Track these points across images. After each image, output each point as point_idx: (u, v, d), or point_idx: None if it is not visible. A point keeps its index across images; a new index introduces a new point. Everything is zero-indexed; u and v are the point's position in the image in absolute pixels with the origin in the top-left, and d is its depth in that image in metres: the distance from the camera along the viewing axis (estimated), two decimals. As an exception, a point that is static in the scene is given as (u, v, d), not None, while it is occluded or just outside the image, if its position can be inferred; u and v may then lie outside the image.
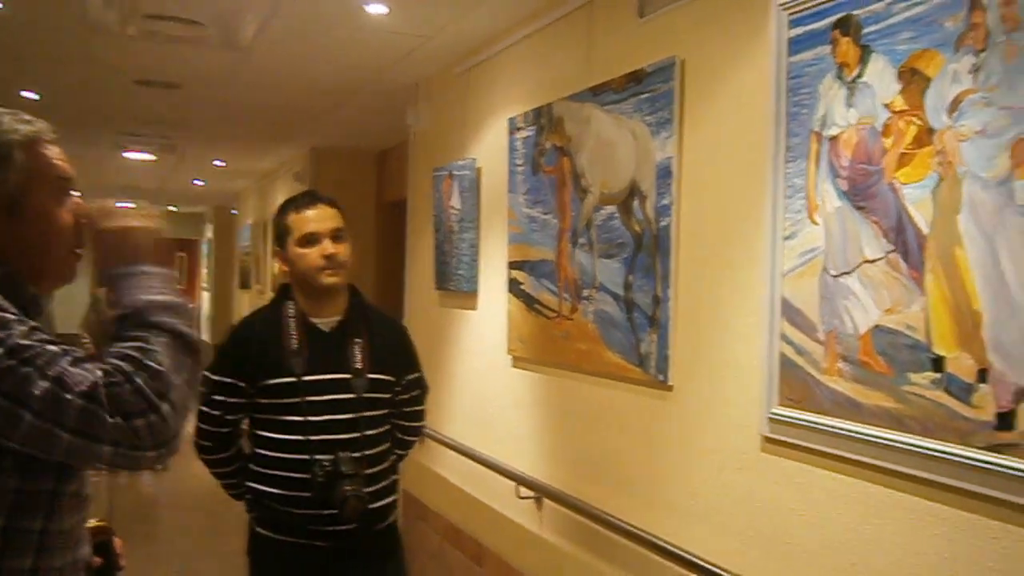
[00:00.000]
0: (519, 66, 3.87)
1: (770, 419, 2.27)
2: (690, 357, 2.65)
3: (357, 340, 2.52)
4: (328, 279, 2.47)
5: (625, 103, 2.92)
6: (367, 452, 2.49)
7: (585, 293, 3.17)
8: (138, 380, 1.22)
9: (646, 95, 2.81)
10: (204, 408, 2.51)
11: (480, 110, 4.25)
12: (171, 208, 15.23)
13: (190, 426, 2.55)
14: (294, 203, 2.54)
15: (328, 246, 2.46)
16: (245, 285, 11.65)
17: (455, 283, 4.40)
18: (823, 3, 2.12)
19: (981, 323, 1.74)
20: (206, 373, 2.53)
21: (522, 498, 3.58)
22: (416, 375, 2.72)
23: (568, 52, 3.40)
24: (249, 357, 2.49)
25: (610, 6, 3.12)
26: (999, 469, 1.70)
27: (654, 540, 2.74)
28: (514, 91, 3.89)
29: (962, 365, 1.78)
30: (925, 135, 1.86)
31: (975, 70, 1.75)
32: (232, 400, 2.49)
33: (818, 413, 2.12)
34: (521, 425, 3.75)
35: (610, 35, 3.12)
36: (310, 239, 2.47)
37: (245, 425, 2.57)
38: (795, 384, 2.19)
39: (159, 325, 1.29)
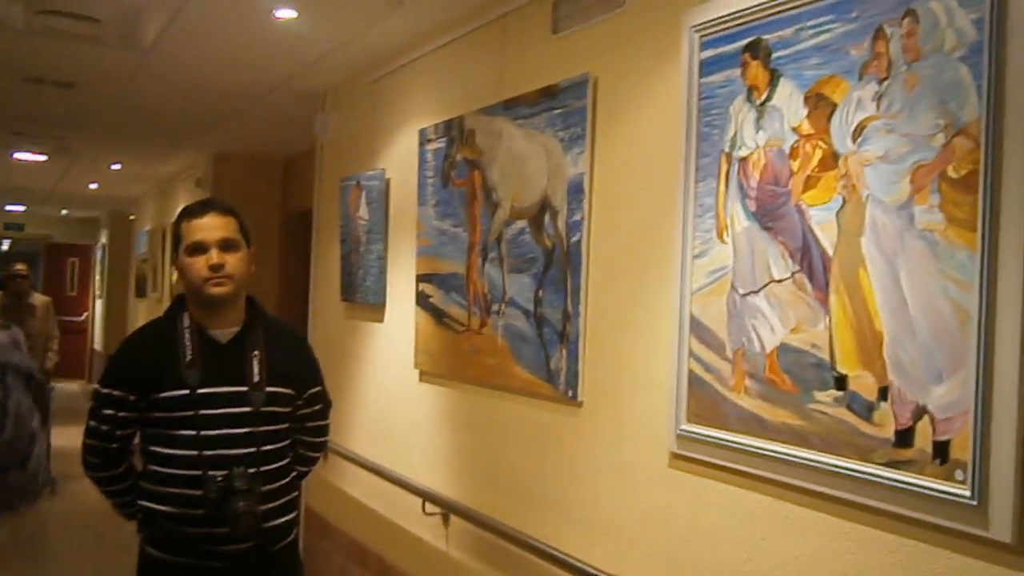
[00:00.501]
0: (431, 77, 3.84)
1: (678, 435, 2.29)
2: (600, 373, 2.66)
3: (255, 352, 2.44)
4: (213, 290, 2.37)
5: (538, 118, 2.92)
6: (263, 468, 2.40)
7: (495, 308, 3.15)
8: None
9: (559, 111, 2.82)
10: (92, 423, 2.39)
11: (390, 120, 4.20)
12: (63, 212, 14.61)
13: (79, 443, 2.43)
14: (188, 211, 2.43)
15: (214, 256, 2.36)
16: (142, 293, 11.23)
17: (362, 295, 4.32)
18: (734, 27, 2.16)
19: (882, 342, 1.79)
20: (96, 386, 2.42)
21: (428, 514, 3.53)
22: (318, 389, 2.65)
23: (481, 65, 3.38)
24: (141, 369, 2.38)
25: (524, 21, 3.12)
26: (898, 485, 1.75)
27: (562, 556, 2.73)
28: (426, 102, 3.86)
29: (864, 383, 1.83)
30: (830, 159, 1.91)
31: (878, 98, 1.81)
32: (122, 414, 2.37)
33: (725, 430, 2.15)
34: (428, 440, 3.70)
35: (524, 50, 3.12)
36: (197, 248, 2.37)
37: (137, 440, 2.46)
38: (703, 401, 2.22)
39: None
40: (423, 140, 3.74)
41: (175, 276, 2.46)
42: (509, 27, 3.21)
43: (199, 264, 2.36)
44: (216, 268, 2.35)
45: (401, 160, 4.04)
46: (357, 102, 4.64)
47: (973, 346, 1.62)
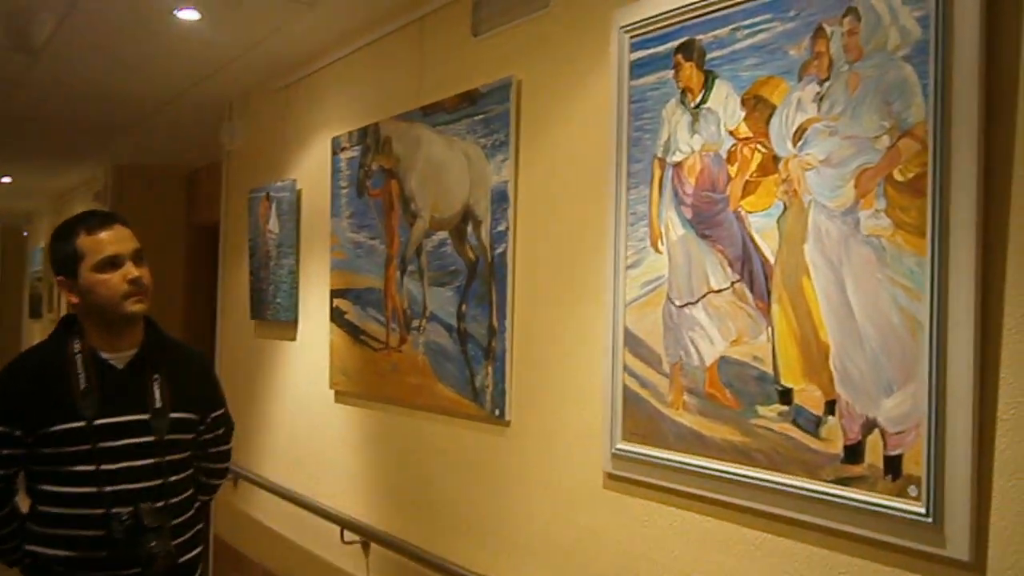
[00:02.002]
0: (345, 83, 3.67)
1: (613, 455, 2.18)
2: (529, 391, 2.53)
3: (156, 376, 2.24)
4: (134, 306, 2.17)
5: (458, 124, 2.79)
6: (171, 501, 2.21)
7: (415, 323, 3.00)
8: None
9: (480, 116, 2.70)
10: None
11: (302, 128, 4.01)
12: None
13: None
14: (84, 224, 2.20)
15: (132, 269, 2.16)
16: (36, 314, 10.65)
17: (273, 312, 4.11)
18: (666, 27, 2.07)
19: (828, 354, 1.71)
20: None
21: (347, 543, 3.35)
22: (221, 412, 2.46)
23: (398, 69, 3.24)
24: (27, 401, 2.14)
25: (443, 23, 2.99)
26: (848, 502, 1.67)
27: (491, 585, 2.59)
28: (339, 109, 3.69)
29: (810, 397, 1.75)
30: (770, 163, 1.83)
31: (819, 99, 1.74)
32: (6, 452, 2.13)
33: (663, 448, 2.05)
34: (346, 464, 3.51)
35: (443, 53, 2.99)
36: (112, 262, 2.15)
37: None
38: (639, 418, 2.11)
39: None
40: (336, 149, 3.57)
41: (72, 298, 2.22)
42: (427, 30, 3.08)
43: (115, 280, 2.15)
44: (135, 282, 2.16)
45: (313, 170, 3.86)
46: (266, 109, 4.44)
47: (925, 356, 1.55)
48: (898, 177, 1.60)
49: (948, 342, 1.52)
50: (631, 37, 2.16)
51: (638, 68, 2.15)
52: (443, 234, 2.87)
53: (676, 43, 2.05)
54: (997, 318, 1.49)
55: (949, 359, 1.52)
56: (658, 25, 2.09)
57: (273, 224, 4.14)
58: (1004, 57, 1.49)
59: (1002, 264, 1.48)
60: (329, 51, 3.71)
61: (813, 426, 1.74)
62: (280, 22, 3.52)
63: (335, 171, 3.58)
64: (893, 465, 1.60)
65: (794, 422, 1.77)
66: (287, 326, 4.03)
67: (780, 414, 1.80)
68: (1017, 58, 1.47)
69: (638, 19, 2.14)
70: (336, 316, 3.53)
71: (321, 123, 3.82)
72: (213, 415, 2.43)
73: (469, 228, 2.74)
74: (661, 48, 2.09)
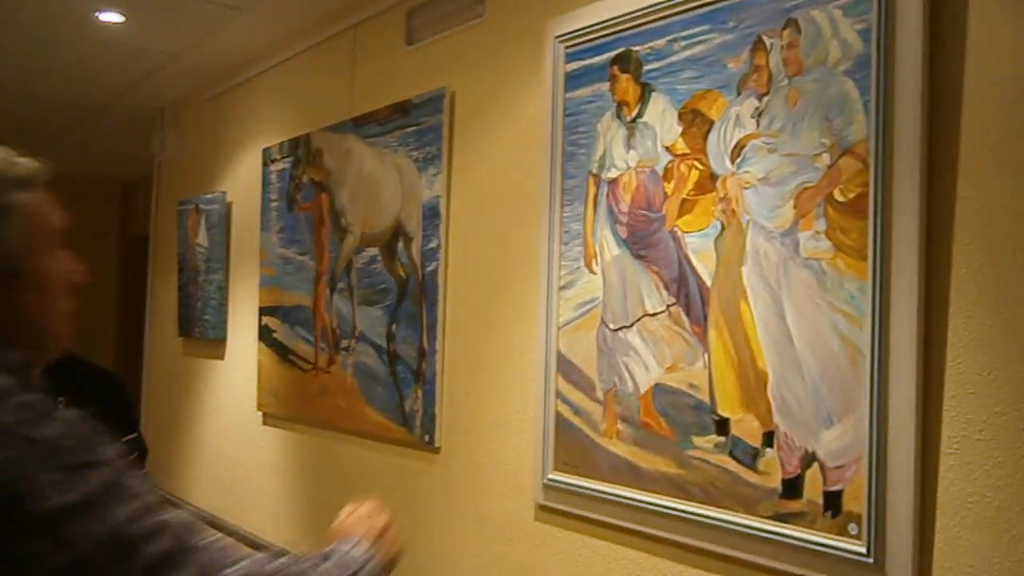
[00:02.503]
0: (277, 92, 3.53)
1: (545, 485, 2.07)
2: (460, 416, 2.41)
3: (60, 399, 2.07)
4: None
5: (390, 136, 2.68)
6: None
7: (344, 344, 2.87)
8: None
9: (413, 128, 2.58)
10: None
11: (233, 139, 3.86)
12: None
13: None
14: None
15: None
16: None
17: (201, 330, 3.93)
18: (602, 37, 1.98)
19: (766, 383, 1.62)
20: None
21: (271, 574, 3.17)
22: (134, 435, 2.31)
23: (330, 79, 3.11)
24: None
25: (376, 32, 2.87)
26: (786, 540, 1.57)
27: (418, 621, 2.45)
28: (271, 119, 3.55)
29: (747, 428, 1.65)
30: (708, 181, 1.74)
31: (758, 114, 1.66)
32: None
33: (596, 479, 1.94)
34: (274, 489, 3.35)
35: (376, 63, 2.87)
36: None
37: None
38: (572, 447, 2.01)
39: None
40: (267, 160, 3.43)
41: None
42: (360, 38, 2.96)
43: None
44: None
45: (244, 182, 3.70)
46: (197, 119, 4.27)
47: (865, 386, 1.46)
48: (839, 197, 1.52)
49: (890, 372, 1.44)
50: (566, 47, 2.07)
51: (573, 80, 2.05)
52: (374, 251, 2.74)
53: (612, 54, 1.96)
54: (940, 347, 1.41)
55: (891, 390, 1.44)
56: (594, 35, 2.00)
57: (202, 237, 3.97)
58: (948, 72, 1.42)
59: (945, 290, 1.41)
60: (261, 59, 3.58)
61: (750, 458, 1.65)
62: (210, 27, 3.38)
63: (265, 183, 3.43)
64: (833, 501, 1.51)
65: (731, 454, 1.68)
66: (215, 344, 3.86)
67: (717, 445, 1.71)
68: (961, 73, 1.41)
69: (573, 29, 2.04)
70: (265, 335, 3.38)
71: (252, 133, 3.67)
72: (126, 439, 2.26)
73: (400, 245, 2.62)
74: (597, 59, 2.00)
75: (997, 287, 1.35)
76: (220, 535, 1.02)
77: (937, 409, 1.41)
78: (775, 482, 1.60)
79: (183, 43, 3.59)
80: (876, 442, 1.45)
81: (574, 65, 2.05)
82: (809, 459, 1.55)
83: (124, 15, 3.29)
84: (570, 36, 2.05)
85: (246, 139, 3.72)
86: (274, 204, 3.36)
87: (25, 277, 1.06)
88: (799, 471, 1.57)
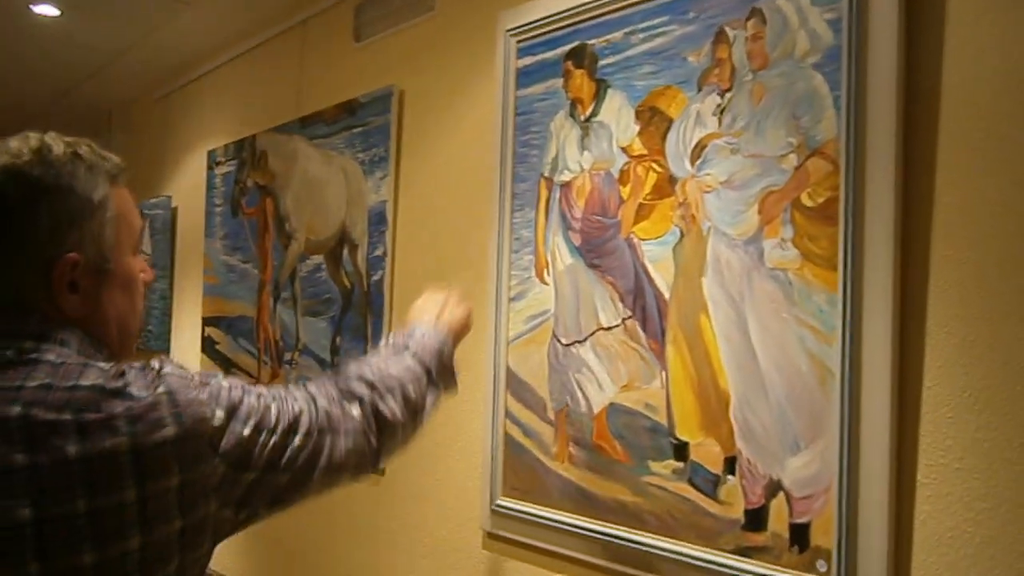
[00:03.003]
0: (223, 92, 3.37)
1: (493, 511, 1.92)
2: (404, 435, 2.25)
3: None
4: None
5: (337, 137, 2.53)
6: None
7: (288, 356, 2.71)
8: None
9: (359, 129, 2.43)
10: None
11: (179, 141, 3.69)
12: None
13: None
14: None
15: None
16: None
17: (143, 339, 3.75)
18: (555, 30, 1.84)
19: (728, 404, 1.49)
20: None
21: (210, 600, 3.00)
22: None
23: (277, 78, 2.96)
24: None
25: (324, 28, 2.73)
26: (749, 577, 1.44)
27: (360, 655, 2.29)
28: (216, 120, 3.38)
29: (708, 453, 1.52)
30: (666, 184, 1.61)
31: (720, 111, 1.53)
32: None
33: (547, 506, 1.80)
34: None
35: (324, 60, 2.72)
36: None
37: None
38: (522, 471, 1.86)
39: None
40: (212, 163, 3.26)
41: None
42: (309, 35, 2.81)
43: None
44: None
45: (189, 186, 3.53)
46: (146, 121, 4.09)
47: (835, 409, 1.33)
48: (807, 202, 1.39)
49: (862, 394, 1.31)
50: (518, 42, 1.93)
51: (525, 76, 1.92)
52: (318, 258, 2.59)
53: (566, 48, 1.82)
54: (917, 366, 1.28)
55: (863, 413, 1.31)
56: (547, 28, 1.86)
57: (146, 244, 3.79)
58: (925, 66, 1.30)
59: (922, 304, 1.28)
60: (207, 58, 3.42)
61: (711, 486, 1.51)
62: (152, 23, 3.21)
63: (210, 187, 3.27)
64: (800, 535, 1.38)
65: (690, 481, 1.54)
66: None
67: (675, 471, 1.57)
68: (939, 67, 1.28)
69: (526, 22, 1.91)
70: (207, 346, 3.21)
71: (199, 135, 3.50)
72: None
73: (345, 252, 2.47)
74: (550, 54, 1.86)
75: (980, 300, 1.23)
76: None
77: (913, 435, 1.28)
78: (737, 512, 1.47)
79: (125, 40, 3.42)
80: (847, 471, 1.32)
81: (526, 60, 1.92)
82: (774, 488, 1.42)
83: (59, 8, 3.11)
84: (522, 29, 1.92)
85: (192, 141, 3.55)
86: (218, 209, 3.19)
87: (113, 274, 1.04)
88: (763, 501, 1.43)
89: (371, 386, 1.22)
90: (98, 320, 1.03)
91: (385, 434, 1.21)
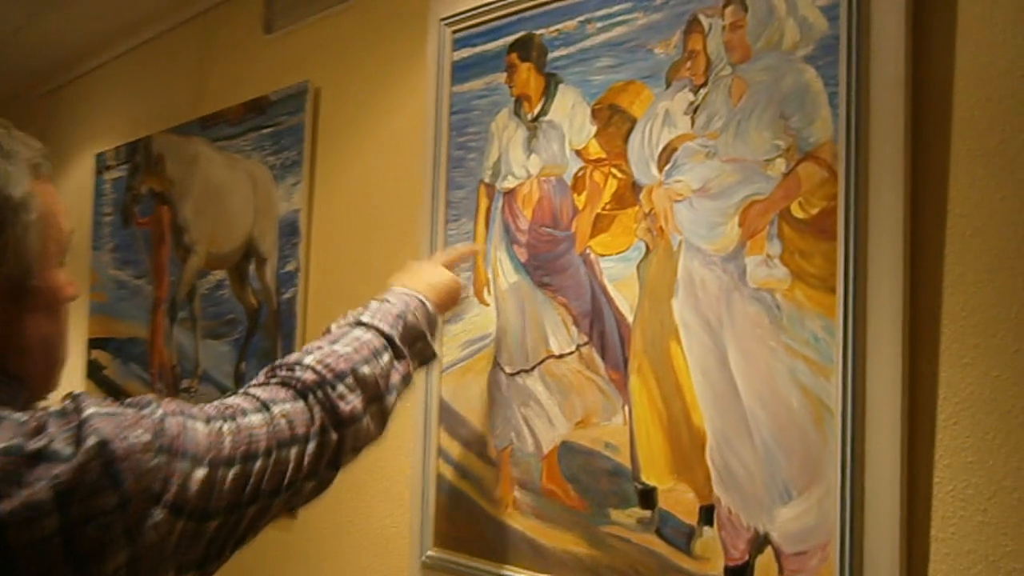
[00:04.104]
0: (116, 88, 3.07)
1: (423, 564, 1.68)
2: (319, 475, 2.00)
3: None
4: None
5: (243, 139, 2.27)
6: None
7: (185, 383, 2.43)
8: None
9: (269, 129, 2.18)
10: None
11: (64, 142, 3.34)
12: None
13: None
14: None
15: None
16: None
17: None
18: (497, 19, 1.64)
19: (705, 444, 1.29)
20: None
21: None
22: None
23: (176, 74, 2.67)
24: None
25: (231, 19, 2.46)
26: (729, 645, 1.24)
27: None
28: (107, 120, 3.07)
29: (680, 500, 1.32)
30: (629, 192, 1.42)
31: (693, 110, 1.34)
32: None
33: (487, 559, 1.57)
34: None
35: (229, 54, 2.46)
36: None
37: None
38: (458, 518, 1.63)
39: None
40: (101, 167, 2.95)
41: None
42: (212, 25, 2.54)
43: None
44: None
45: (75, 192, 3.19)
46: (26, 119, 3.70)
47: (835, 452, 1.15)
48: (798, 213, 1.21)
49: (867, 434, 1.13)
50: (454, 32, 1.72)
51: (462, 70, 1.70)
52: (221, 274, 2.32)
53: (510, 39, 1.62)
54: (930, 404, 1.11)
55: (868, 457, 1.13)
56: (488, 17, 1.66)
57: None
58: (934, 57, 1.13)
59: (935, 332, 1.11)
60: (98, 50, 3.10)
61: (684, 539, 1.31)
62: (37, 7, 2.87)
63: (98, 194, 2.96)
64: (792, 598, 1.19)
65: (659, 532, 1.34)
66: (37, 381, 3.31)
67: (640, 521, 1.36)
68: (951, 58, 1.12)
69: (462, 10, 1.70)
70: (93, 372, 2.88)
71: (86, 136, 3.17)
72: None
73: (251, 267, 2.20)
74: (491, 45, 1.65)
75: (1003, 328, 1.07)
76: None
77: (926, 481, 1.11)
78: (716, 570, 1.27)
79: (6, 26, 3.06)
80: (849, 523, 1.13)
81: (463, 53, 1.71)
82: (760, 542, 1.23)
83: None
84: (458, 18, 1.71)
85: (79, 142, 3.22)
86: (107, 219, 2.88)
87: (38, 292, 0.87)
88: (747, 557, 1.24)
89: (317, 373, 1.05)
90: (17, 351, 0.86)
91: (347, 428, 1.07)
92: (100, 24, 2.97)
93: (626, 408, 1.40)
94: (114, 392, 2.74)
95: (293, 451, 0.97)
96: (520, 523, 1.53)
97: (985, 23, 1.10)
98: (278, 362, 1.09)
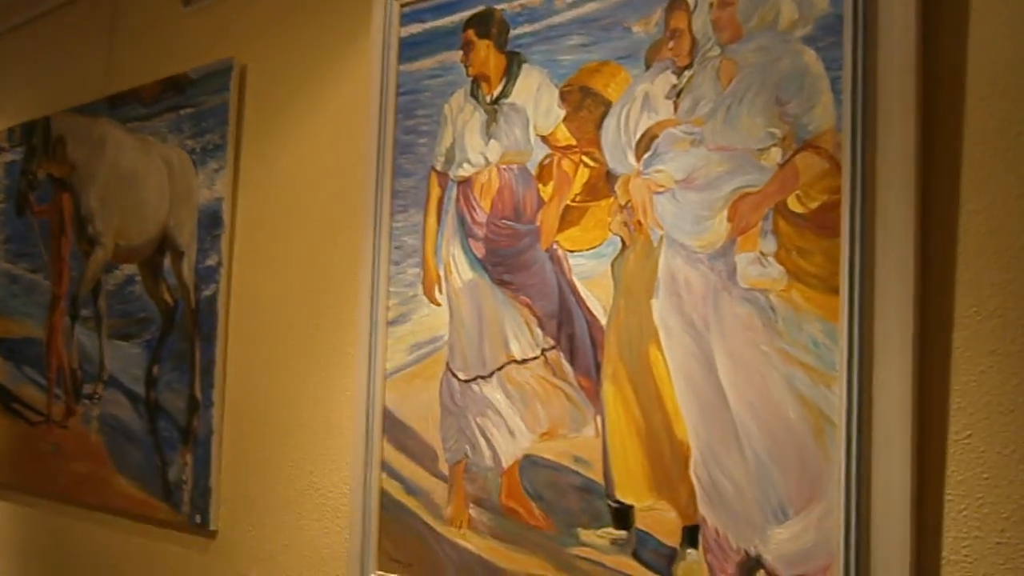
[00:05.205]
0: (11, 63, 2.82)
1: (365, 589, 1.54)
2: (245, 491, 1.85)
3: None
4: None
5: (158, 120, 2.08)
6: None
7: (88, 389, 2.25)
8: None
9: (188, 110, 2.00)
10: None
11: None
12: None
13: None
14: None
15: None
16: None
17: None
18: (452, -8, 1.50)
19: (688, 458, 1.19)
20: None
21: None
22: None
23: (81, 48, 2.46)
24: None
25: (143, -11, 2.26)
26: (713, 677, 1.14)
27: None
28: (2, 98, 2.81)
29: (660, 520, 1.21)
30: (602, 182, 1.30)
31: (676, 94, 1.24)
32: None
33: (438, 583, 1.44)
34: (-14, 578, 2.59)
35: (142, 27, 2.27)
36: None
37: None
38: (403, 538, 1.49)
39: None
40: (-8, 150, 2.69)
41: None
42: (122, -2, 2.33)
43: None
44: None
45: (-39, 178, 2.91)
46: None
47: (837, 467, 1.06)
48: (795, 207, 1.12)
49: (872, 448, 1.04)
50: (402, 5, 1.59)
51: (411, 47, 1.57)
52: (131, 268, 2.13)
53: (466, 14, 1.49)
54: (942, 414, 1.03)
55: (874, 473, 1.04)
56: (441, -10, 1.52)
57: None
58: (946, 40, 1.05)
59: (946, 335, 1.03)
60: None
61: (665, 562, 1.20)
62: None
63: (-11, 180, 2.69)
64: (787, 626, 1.09)
65: (635, 555, 1.23)
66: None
67: (614, 542, 1.25)
68: (963, 41, 1.04)
69: (413, -19, 1.56)
70: (-19, 375, 2.62)
71: (-25, 116, 2.90)
72: None
73: (167, 261, 2.03)
74: (444, 21, 1.52)
75: (1021, 333, 0.99)
76: None
77: (937, 499, 1.03)
78: (691, 594, 1.17)
79: None
80: (854, 544, 1.04)
81: (413, 29, 1.57)
82: (752, 565, 1.13)
83: None
84: (408, -10, 1.56)
85: (-33, 124, 2.93)
86: (0, 207, 2.63)
87: None
88: (736, 582, 1.14)
89: None
90: None
91: None
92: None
93: (598, 418, 1.28)
94: (6, 399, 2.50)
95: None
96: (475, 544, 1.40)
97: (1004, 6, 1.02)
98: None
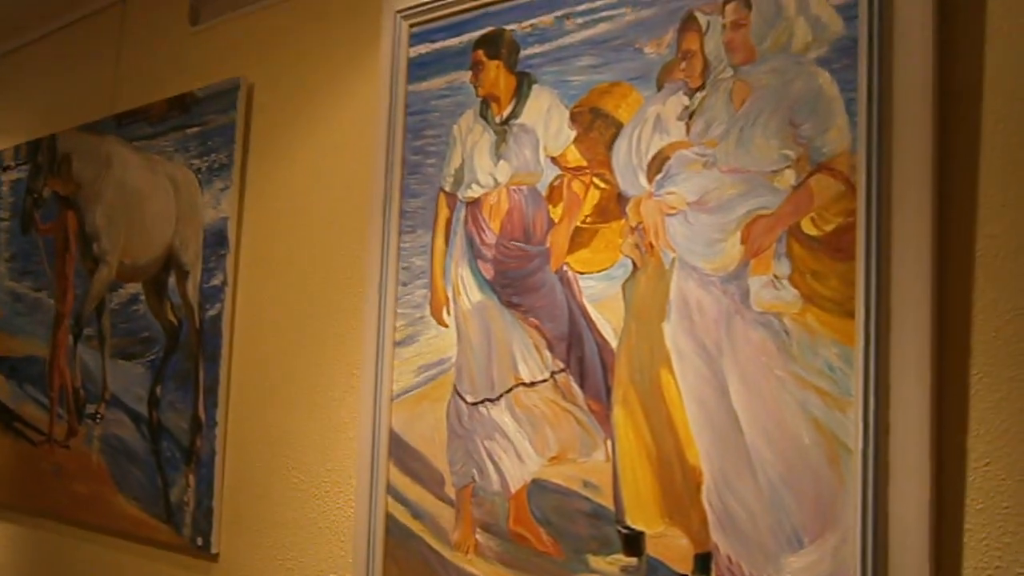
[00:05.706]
0: (19, 81, 2.82)
1: (368, 614, 1.51)
2: (247, 513, 1.82)
3: None
4: None
5: (164, 139, 2.07)
6: None
7: (91, 409, 2.21)
8: None
9: (195, 129, 1.99)
10: None
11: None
12: None
13: None
14: None
15: None
16: None
17: None
18: (461, 12, 1.50)
19: (701, 484, 1.17)
20: None
21: None
22: None
23: (88, 67, 2.45)
24: None
25: (152, 7, 2.27)
26: None
27: None
28: (8, 115, 2.81)
29: (671, 547, 1.19)
30: (613, 204, 1.29)
31: (688, 115, 1.22)
32: None
33: (444, 610, 1.41)
34: (-16, 600, 2.56)
35: (150, 46, 2.26)
36: None
37: None
38: (408, 563, 1.47)
39: None
40: (-2, 168, 2.68)
41: None
42: (131, 15, 2.34)
43: None
44: None
45: (-34, 196, 2.90)
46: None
47: (855, 494, 1.04)
48: (810, 230, 1.10)
49: (890, 475, 1.02)
50: (411, 25, 1.57)
51: (420, 68, 1.56)
52: (135, 287, 2.11)
53: (477, 34, 1.48)
54: (960, 440, 1.01)
55: (891, 500, 1.02)
56: (451, 10, 1.52)
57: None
58: (962, 60, 1.04)
59: (964, 360, 1.01)
60: (1, 39, 2.83)
61: (676, 591, 1.18)
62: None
63: (-6, 198, 2.68)
64: (802, 658, 1.07)
65: (645, 583, 1.21)
66: (-84, 404, 2.99)
67: (625, 569, 1.23)
68: (980, 61, 1.03)
69: (421, 1, 1.55)
70: (-18, 393, 2.60)
71: (-18, 134, 2.89)
72: None
73: (171, 280, 2.00)
74: (454, 41, 1.51)
75: (1042, 359, 0.97)
76: None
77: (956, 529, 1.01)
78: (708, 625, 1.15)
79: None
80: (872, 574, 1.02)
81: (422, 49, 1.56)
82: (765, 595, 1.10)
83: None
84: (417, 11, 1.56)
85: (-27, 141, 2.93)
86: (4, 224, 2.62)
87: None
88: (749, 612, 1.11)
89: None
90: None
91: None
92: (3, 8, 2.71)
93: (608, 443, 1.26)
94: (8, 418, 2.48)
95: None
96: (482, 570, 1.38)
97: (1018, 23, 1.01)
98: None
